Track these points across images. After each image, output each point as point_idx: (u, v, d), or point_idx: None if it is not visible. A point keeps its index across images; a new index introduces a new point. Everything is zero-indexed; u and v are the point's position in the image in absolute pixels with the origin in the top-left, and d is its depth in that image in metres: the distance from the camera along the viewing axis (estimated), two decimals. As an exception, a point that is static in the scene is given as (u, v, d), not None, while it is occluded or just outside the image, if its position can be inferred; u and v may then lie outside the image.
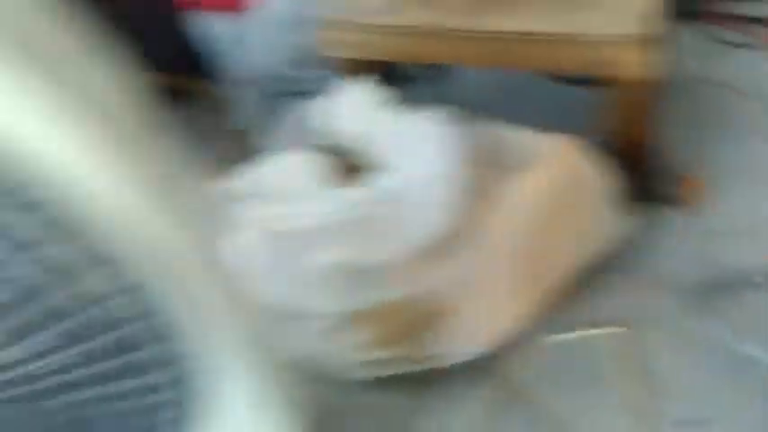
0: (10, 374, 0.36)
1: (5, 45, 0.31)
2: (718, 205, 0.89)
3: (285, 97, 1.00)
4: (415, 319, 0.73)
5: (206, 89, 1.10)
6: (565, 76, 1.02)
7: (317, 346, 0.74)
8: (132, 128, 0.36)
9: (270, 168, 0.78)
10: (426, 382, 0.76)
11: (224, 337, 0.40)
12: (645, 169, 0.87)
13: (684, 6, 1.05)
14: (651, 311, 0.80)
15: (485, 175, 0.73)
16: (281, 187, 0.75)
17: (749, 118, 0.99)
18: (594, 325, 0.78)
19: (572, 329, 0.78)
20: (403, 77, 1.02)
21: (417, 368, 0.75)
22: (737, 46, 1.09)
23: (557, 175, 0.76)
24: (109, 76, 0.36)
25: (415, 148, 0.73)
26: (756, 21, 1.11)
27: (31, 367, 0.36)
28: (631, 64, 0.78)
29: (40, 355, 0.36)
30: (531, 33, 0.82)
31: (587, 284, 0.80)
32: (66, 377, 0.37)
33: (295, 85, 1.04)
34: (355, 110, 0.80)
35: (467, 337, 0.73)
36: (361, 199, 0.71)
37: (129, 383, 0.39)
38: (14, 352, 0.35)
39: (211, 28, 1.05)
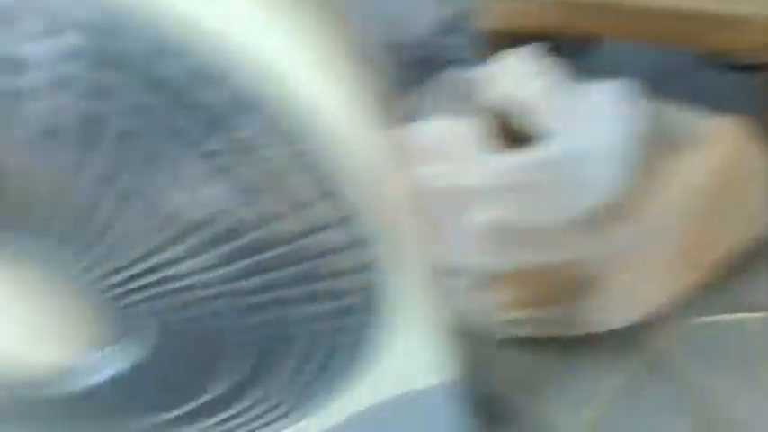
0: (217, 290, 0.39)
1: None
2: None
3: (432, 64, 1.02)
4: (566, 285, 0.74)
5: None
6: (726, 60, 0.99)
7: (466, 302, 0.77)
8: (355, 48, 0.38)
9: (428, 130, 0.80)
10: (571, 347, 0.78)
11: (414, 269, 0.42)
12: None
13: None
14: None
15: (652, 152, 0.73)
16: (439, 148, 0.77)
17: None
18: (747, 309, 0.78)
19: (724, 311, 0.78)
20: (560, 48, 1.02)
21: (563, 332, 0.77)
22: None
23: (724, 157, 0.75)
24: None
25: (585, 118, 0.73)
26: None
27: (243, 284, 0.39)
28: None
29: (250, 274, 0.39)
30: (702, 12, 0.81)
31: (743, 268, 0.79)
32: (270, 295, 0.41)
33: (442, 53, 1.05)
34: (519, 77, 0.81)
35: (617, 307, 0.75)
36: (523, 164, 0.72)
37: (325, 306, 0.42)
38: (228, 271, 0.39)
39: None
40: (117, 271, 0.37)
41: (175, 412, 0.48)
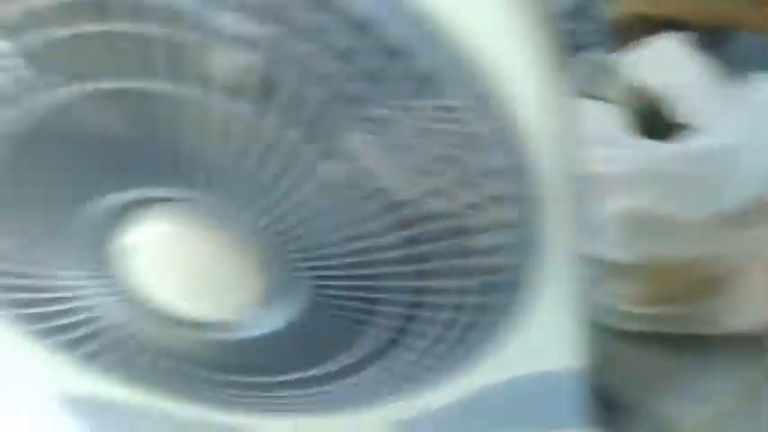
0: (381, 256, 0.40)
1: None
2: None
3: (563, 49, 1.00)
4: (698, 281, 0.72)
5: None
6: None
7: (593, 291, 0.76)
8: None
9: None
10: (694, 345, 0.76)
11: (564, 248, 0.42)
12: None
13: None
14: None
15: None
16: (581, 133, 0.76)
17: None
18: None
19: None
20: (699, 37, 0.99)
21: (690, 330, 0.75)
22: None
23: None
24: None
25: (739, 110, 0.71)
26: None
27: (403, 252, 0.40)
28: None
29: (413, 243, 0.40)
30: None
31: None
32: (426, 266, 0.41)
33: (571, 38, 1.03)
34: (666, 65, 0.79)
35: (750, 309, 0.72)
36: (669, 153, 0.71)
37: (475, 280, 0.42)
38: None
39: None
40: (288, 230, 0.39)
41: (313, 372, 0.49)
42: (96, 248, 0.43)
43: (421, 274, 0.42)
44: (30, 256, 0.45)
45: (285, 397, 0.52)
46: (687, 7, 0.86)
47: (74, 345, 0.50)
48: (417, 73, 0.33)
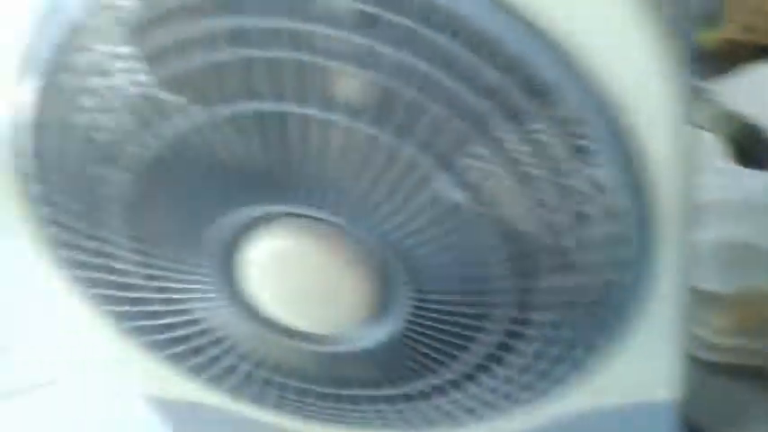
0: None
1: None
2: None
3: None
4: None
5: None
6: None
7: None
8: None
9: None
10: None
11: (673, 274, 0.42)
12: None
13: None
14: None
15: None
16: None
17: None
18: None
19: None
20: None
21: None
22: None
23: None
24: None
25: None
26: None
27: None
28: None
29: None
30: None
31: None
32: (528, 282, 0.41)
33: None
34: (763, 92, 0.78)
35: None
36: (763, 183, 0.69)
37: (579, 299, 0.42)
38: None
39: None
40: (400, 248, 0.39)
41: (402, 389, 0.50)
42: (218, 264, 0.45)
43: (524, 305, 0.41)
44: (155, 273, 0.47)
45: (371, 411, 0.53)
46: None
47: (184, 357, 0.51)
48: (556, 110, 0.34)
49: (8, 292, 0.94)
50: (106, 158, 0.40)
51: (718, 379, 0.76)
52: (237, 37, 0.34)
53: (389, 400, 0.51)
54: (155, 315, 0.49)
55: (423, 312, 0.43)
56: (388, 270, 0.42)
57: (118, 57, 0.37)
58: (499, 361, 0.45)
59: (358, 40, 0.33)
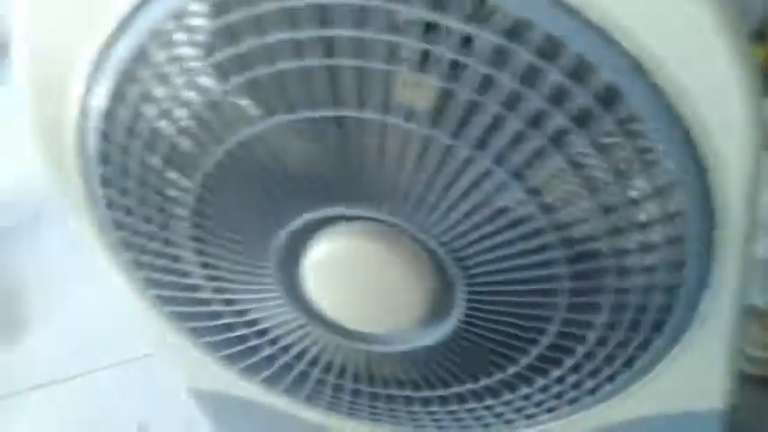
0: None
1: None
2: None
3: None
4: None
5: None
6: None
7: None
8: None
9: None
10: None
11: (734, 284, 0.42)
12: None
13: None
14: None
15: None
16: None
17: None
18: None
19: None
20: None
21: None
22: None
23: None
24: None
25: None
26: None
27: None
28: None
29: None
30: None
31: None
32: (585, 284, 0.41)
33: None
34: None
35: None
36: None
37: (642, 305, 0.42)
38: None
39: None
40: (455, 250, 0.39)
41: (452, 389, 0.50)
42: (278, 267, 0.46)
43: (580, 307, 0.42)
44: (222, 284, 0.48)
45: (422, 412, 0.53)
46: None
47: (242, 357, 0.52)
48: (620, 113, 0.34)
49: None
50: (172, 164, 0.41)
51: (755, 391, 0.76)
52: (299, 47, 0.35)
53: (440, 400, 0.51)
54: (214, 315, 0.49)
55: (474, 316, 0.44)
56: (445, 270, 0.43)
57: (185, 64, 0.38)
58: (553, 361, 0.46)
59: (440, 52, 0.34)
